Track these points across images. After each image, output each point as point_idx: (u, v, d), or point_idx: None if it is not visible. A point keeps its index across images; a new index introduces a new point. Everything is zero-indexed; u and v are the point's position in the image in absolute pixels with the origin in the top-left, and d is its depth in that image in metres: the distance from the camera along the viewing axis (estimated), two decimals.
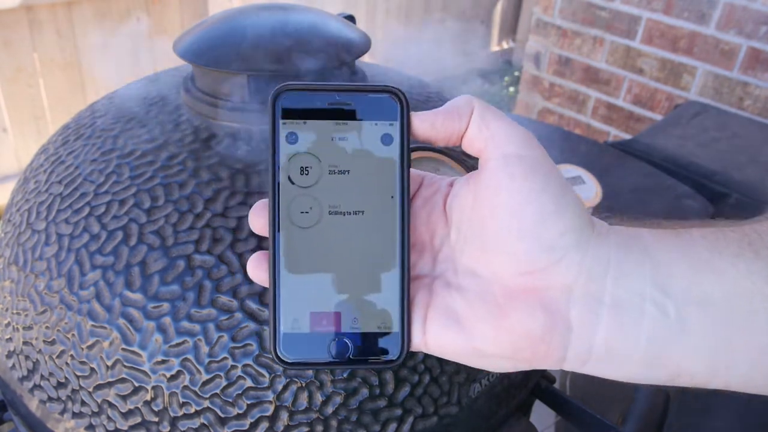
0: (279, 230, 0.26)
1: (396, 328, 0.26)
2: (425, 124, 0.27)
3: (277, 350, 0.26)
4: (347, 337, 0.26)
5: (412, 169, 0.28)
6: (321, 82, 0.26)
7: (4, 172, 2.06)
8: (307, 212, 0.26)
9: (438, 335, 0.26)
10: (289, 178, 0.26)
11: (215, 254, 0.48)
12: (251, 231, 0.49)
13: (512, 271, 0.25)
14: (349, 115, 0.26)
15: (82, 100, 2.08)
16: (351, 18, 0.67)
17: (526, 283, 0.25)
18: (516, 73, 3.48)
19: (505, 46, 3.73)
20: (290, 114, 0.26)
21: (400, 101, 0.26)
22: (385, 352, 0.26)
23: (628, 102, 1.76)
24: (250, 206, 0.49)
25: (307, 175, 0.26)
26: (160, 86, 0.64)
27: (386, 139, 0.26)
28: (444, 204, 0.28)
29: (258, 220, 0.27)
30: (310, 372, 0.47)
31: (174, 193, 0.51)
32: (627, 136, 1.74)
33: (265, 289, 0.47)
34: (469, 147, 0.27)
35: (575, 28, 1.79)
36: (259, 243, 0.48)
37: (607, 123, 1.83)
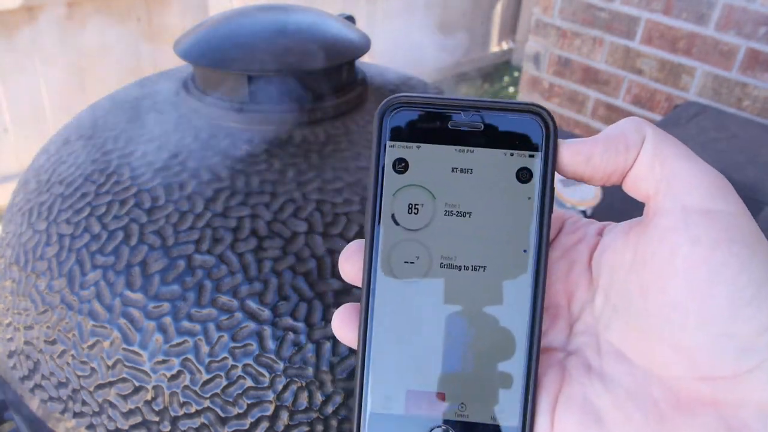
0: (375, 282, 0.21)
1: (515, 421, 0.20)
2: (578, 158, 0.21)
3: None
4: (450, 426, 0.21)
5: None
6: (443, 96, 0.21)
7: (4, 172, 2.06)
8: (412, 262, 0.21)
9: (571, 430, 0.20)
10: (393, 216, 0.21)
11: (215, 254, 0.48)
12: (251, 231, 0.49)
13: (684, 373, 0.19)
14: (476, 140, 0.21)
15: (83, 100, 2.08)
16: (351, 18, 0.68)
17: (704, 393, 0.19)
18: (516, 74, 3.48)
19: (504, 46, 3.73)
20: (401, 135, 0.21)
21: (546, 125, 0.21)
22: None
23: (627, 102, 1.76)
24: (251, 206, 0.49)
25: (416, 214, 0.21)
26: (160, 86, 0.64)
27: (523, 175, 0.21)
28: (590, 258, 0.22)
29: (350, 266, 0.22)
30: (311, 372, 0.47)
31: (174, 193, 0.51)
32: None
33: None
34: (634, 189, 0.21)
35: (575, 28, 1.79)
36: (260, 242, 0.48)
37: (607, 123, 1.83)
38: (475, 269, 0.21)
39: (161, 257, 0.48)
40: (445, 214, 0.21)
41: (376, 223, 0.21)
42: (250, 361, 0.47)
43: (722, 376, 0.18)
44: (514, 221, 0.21)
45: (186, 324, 0.47)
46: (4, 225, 0.59)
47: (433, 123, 0.21)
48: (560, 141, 0.21)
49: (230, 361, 0.47)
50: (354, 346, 0.21)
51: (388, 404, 0.21)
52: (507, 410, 0.20)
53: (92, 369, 0.49)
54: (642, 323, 0.20)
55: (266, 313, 0.47)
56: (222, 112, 0.57)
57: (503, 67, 3.69)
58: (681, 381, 0.19)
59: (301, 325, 0.47)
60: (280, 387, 0.47)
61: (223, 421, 0.47)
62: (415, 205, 0.21)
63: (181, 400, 0.47)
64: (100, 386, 0.49)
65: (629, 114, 1.78)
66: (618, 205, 0.94)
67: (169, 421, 0.48)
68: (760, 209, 0.98)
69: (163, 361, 0.47)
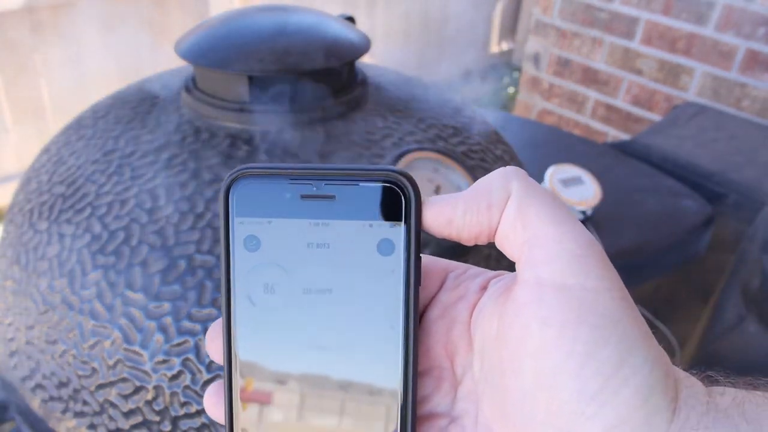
0: (237, 372, 0.19)
1: None
2: (440, 220, 0.19)
3: None
4: None
5: (431, 258, 0.21)
6: (291, 165, 0.19)
7: (5, 172, 2.06)
8: (277, 346, 0.19)
9: None
10: (249, 297, 0.19)
11: (216, 254, 0.48)
12: None
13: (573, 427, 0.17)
14: (331, 211, 0.19)
15: (84, 100, 2.08)
16: (351, 19, 0.68)
17: None
18: (515, 74, 3.49)
19: (504, 46, 3.73)
20: (250, 209, 0.19)
21: (405, 194, 0.19)
22: None
23: (626, 102, 1.76)
24: None
25: (273, 294, 0.19)
26: (161, 87, 0.64)
27: (385, 247, 0.19)
28: (470, 317, 0.20)
29: (214, 348, 0.20)
30: None
31: (175, 193, 0.51)
32: (626, 137, 1.74)
33: None
34: (504, 249, 0.19)
35: (574, 28, 1.80)
36: None
37: (606, 123, 1.83)
38: (342, 349, 0.19)
39: (162, 257, 0.48)
40: (303, 293, 0.19)
41: (233, 305, 0.19)
42: None
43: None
44: (378, 297, 0.19)
45: (187, 324, 0.47)
46: (5, 225, 0.59)
47: (283, 195, 0.19)
48: (424, 200, 0.19)
49: None
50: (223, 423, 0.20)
51: None
52: None
53: (93, 369, 0.49)
54: (503, 403, 0.19)
55: None
56: (222, 112, 0.57)
57: (503, 67, 3.69)
58: None
59: None
60: None
61: None
62: (271, 285, 0.19)
63: (182, 399, 0.47)
64: (100, 386, 0.49)
65: (629, 114, 1.78)
66: (617, 205, 0.94)
67: (170, 421, 0.48)
68: (760, 209, 0.99)
69: (164, 361, 0.47)
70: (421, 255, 0.19)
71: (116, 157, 0.55)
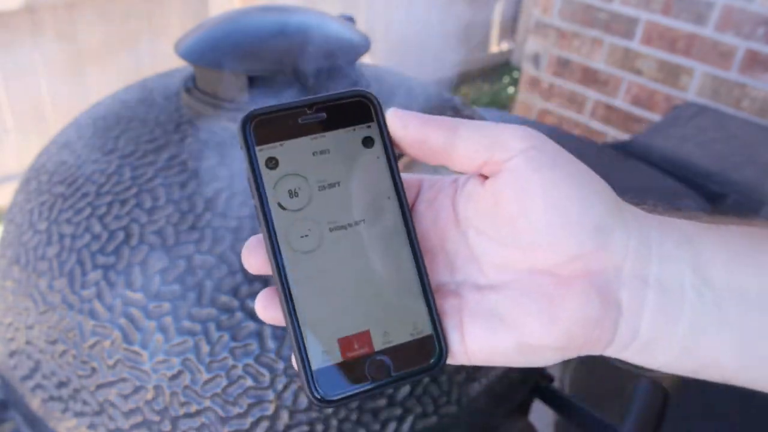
0: (283, 262, 0.24)
1: (429, 329, 0.25)
2: (397, 120, 0.25)
3: (315, 391, 0.23)
4: (383, 354, 0.24)
5: (408, 174, 0.27)
6: (288, 102, 0.25)
7: (6, 172, 2.06)
8: (306, 235, 0.24)
9: (481, 338, 0.25)
10: (280, 204, 0.24)
11: (216, 254, 0.48)
12: (251, 231, 0.49)
13: (561, 260, 0.24)
14: (324, 126, 0.25)
15: (84, 100, 2.08)
16: (351, 19, 0.68)
17: (578, 269, 0.24)
18: (515, 74, 3.48)
19: (504, 46, 3.73)
20: (265, 139, 0.24)
21: (371, 102, 0.25)
22: (425, 358, 0.25)
23: (626, 103, 1.76)
24: (251, 206, 0.50)
25: (297, 197, 0.24)
26: (161, 87, 0.64)
27: (367, 142, 0.25)
28: (452, 205, 0.26)
29: (254, 258, 0.25)
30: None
31: (175, 193, 0.51)
32: (625, 137, 1.74)
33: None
34: (468, 163, 0.25)
35: (574, 29, 1.80)
36: None
37: (606, 123, 1.83)
38: (357, 224, 0.25)
39: (162, 257, 0.48)
40: (319, 190, 0.25)
41: (268, 214, 0.24)
42: (250, 360, 0.47)
43: (587, 253, 0.24)
44: (373, 178, 0.25)
45: (186, 323, 0.47)
46: (6, 225, 0.59)
47: (286, 123, 0.24)
48: (390, 109, 0.26)
49: (231, 361, 0.47)
50: (279, 323, 0.24)
51: (327, 357, 0.24)
52: (420, 324, 0.25)
53: (93, 368, 0.49)
54: (517, 241, 0.24)
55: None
56: (222, 112, 0.57)
57: (503, 68, 3.69)
58: (560, 267, 0.24)
59: None
60: (280, 386, 0.47)
61: (224, 420, 0.47)
62: (294, 189, 0.24)
63: (182, 399, 0.47)
64: (100, 386, 0.49)
65: (629, 114, 1.78)
66: None
67: (170, 420, 0.48)
68: (760, 209, 0.98)
69: (164, 361, 0.47)
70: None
71: (116, 156, 0.55)
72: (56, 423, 0.52)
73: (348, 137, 0.25)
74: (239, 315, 0.47)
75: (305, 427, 0.48)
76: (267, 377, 0.47)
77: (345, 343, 0.24)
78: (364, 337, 0.24)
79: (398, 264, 0.25)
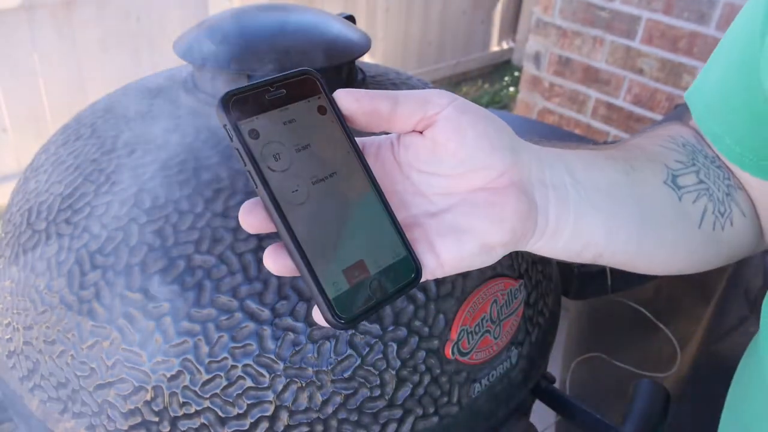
0: (284, 214, 0.28)
1: (404, 251, 0.30)
2: (350, 97, 0.31)
3: (336, 317, 0.28)
4: (379, 276, 0.30)
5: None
6: (254, 81, 0.29)
7: (4, 172, 2.06)
8: (296, 190, 0.29)
9: (452, 249, 0.31)
10: (269, 167, 0.28)
11: (215, 254, 0.48)
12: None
13: (494, 176, 0.31)
14: (286, 100, 0.29)
15: (83, 100, 2.08)
16: (351, 18, 0.67)
17: (505, 181, 0.31)
18: (516, 73, 3.48)
19: (505, 46, 3.73)
20: (243, 114, 0.28)
21: (316, 78, 0.31)
22: (407, 275, 0.30)
23: (628, 102, 1.76)
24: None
25: (280, 159, 0.29)
26: (160, 86, 0.64)
27: (321, 109, 0.30)
28: (393, 156, 0.33)
29: (254, 217, 0.29)
30: (310, 372, 0.47)
31: (174, 193, 0.51)
32: (627, 136, 1.75)
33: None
34: (407, 123, 0.31)
35: (575, 28, 1.79)
36: (260, 242, 0.48)
37: (607, 123, 1.83)
38: (332, 176, 0.30)
39: (161, 257, 0.48)
40: (296, 152, 0.29)
41: (262, 176, 0.28)
42: (249, 361, 0.46)
43: (509, 167, 0.31)
44: (332, 136, 0.30)
45: (186, 324, 0.47)
46: (4, 225, 0.59)
47: (258, 100, 0.29)
48: (341, 90, 0.31)
49: (230, 361, 0.46)
50: (289, 271, 0.29)
51: (338, 287, 0.28)
52: (397, 249, 0.30)
53: (92, 369, 0.49)
54: (456, 169, 0.31)
55: (266, 313, 0.47)
56: None
57: (503, 67, 3.69)
58: (495, 181, 0.31)
59: (300, 325, 0.47)
60: (280, 387, 0.47)
61: (223, 421, 0.47)
62: (277, 153, 0.29)
63: (181, 400, 0.47)
64: (99, 386, 0.49)
65: (630, 114, 1.78)
66: None
67: (169, 421, 0.47)
68: None
69: (163, 361, 0.47)
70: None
71: (115, 156, 0.55)
72: (55, 424, 0.52)
73: (306, 107, 0.30)
74: (238, 315, 0.47)
75: (305, 428, 0.48)
76: (266, 378, 0.47)
77: (348, 272, 0.29)
78: (361, 265, 0.29)
79: (369, 203, 0.30)
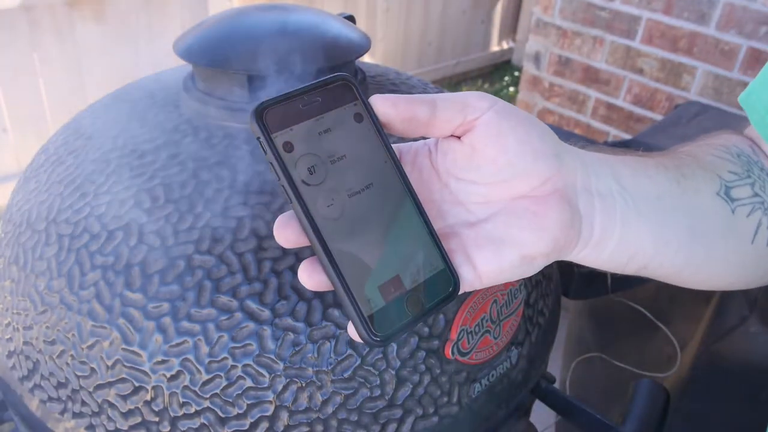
0: (319, 229, 0.27)
1: (441, 265, 0.29)
2: (387, 103, 0.29)
3: (371, 335, 0.27)
4: (416, 291, 0.29)
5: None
6: (288, 91, 0.28)
7: (4, 172, 2.06)
8: (332, 204, 0.28)
9: (491, 261, 0.30)
10: (303, 181, 0.27)
11: (215, 254, 0.48)
12: (251, 231, 0.49)
13: (536, 183, 0.30)
14: (321, 109, 0.28)
15: (83, 100, 2.08)
16: (351, 18, 0.67)
17: (548, 189, 0.30)
18: (516, 73, 3.48)
19: (505, 45, 3.73)
20: (277, 126, 0.27)
21: (352, 83, 0.29)
22: (445, 289, 0.29)
23: (628, 102, 1.76)
24: (251, 206, 0.49)
25: (315, 173, 0.27)
26: (160, 86, 0.64)
27: (357, 117, 0.29)
28: (431, 163, 0.32)
29: (290, 231, 0.28)
30: (310, 372, 0.47)
31: (174, 193, 0.51)
32: (627, 136, 1.74)
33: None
34: (447, 128, 0.30)
35: (575, 28, 1.79)
36: (260, 243, 0.48)
37: (607, 123, 1.83)
38: (368, 187, 0.29)
39: (161, 257, 0.48)
40: (332, 164, 0.28)
41: (297, 191, 0.27)
42: (249, 361, 0.46)
43: (553, 175, 0.30)
44: (369, 145, 0.29)
45: (186, 324, 0.47)
46: (4, 225, 0.59)
47: (291, 110, 0.28)
48: (378, 95, 0.30)
49: (230, 362, 0.46)
50: (324, 287, 0.28)
51: (373, 304, 0.28)
52: (434, 262, 0.29)
53: (92, 369, 0.49)
54: (496, 176, 0.30)
55: (266, 313, 0.47)
56: (222, 112, 0.57)
57: (503, 67, 3.69)
58: (537, 189, 0.30)
59: (301, 325, 0.47)
60: (279, 387, 0.47)
61: (223, 421, 0.47)
62: (312, 167, 0.28)
63: (181, 400, 0.47)
64: (99, 386, 0.49)
65: (630, 114, 1.78)
66: None
67: (169, 421, 0.47)
68: None
69: (163, 362, 0.47)
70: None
71: (115, 156, 0.55)
72: (55, 424, 0.52)
73: (342, 115, 0.29)
74: (239, 315, 0.47)
75: (305, 428, 0.48)
76: (266, 378, 0.47)
77: (384, 288, 0.28)
78: (397, 281, 0.28)
79: (407, 215, 0.29)
